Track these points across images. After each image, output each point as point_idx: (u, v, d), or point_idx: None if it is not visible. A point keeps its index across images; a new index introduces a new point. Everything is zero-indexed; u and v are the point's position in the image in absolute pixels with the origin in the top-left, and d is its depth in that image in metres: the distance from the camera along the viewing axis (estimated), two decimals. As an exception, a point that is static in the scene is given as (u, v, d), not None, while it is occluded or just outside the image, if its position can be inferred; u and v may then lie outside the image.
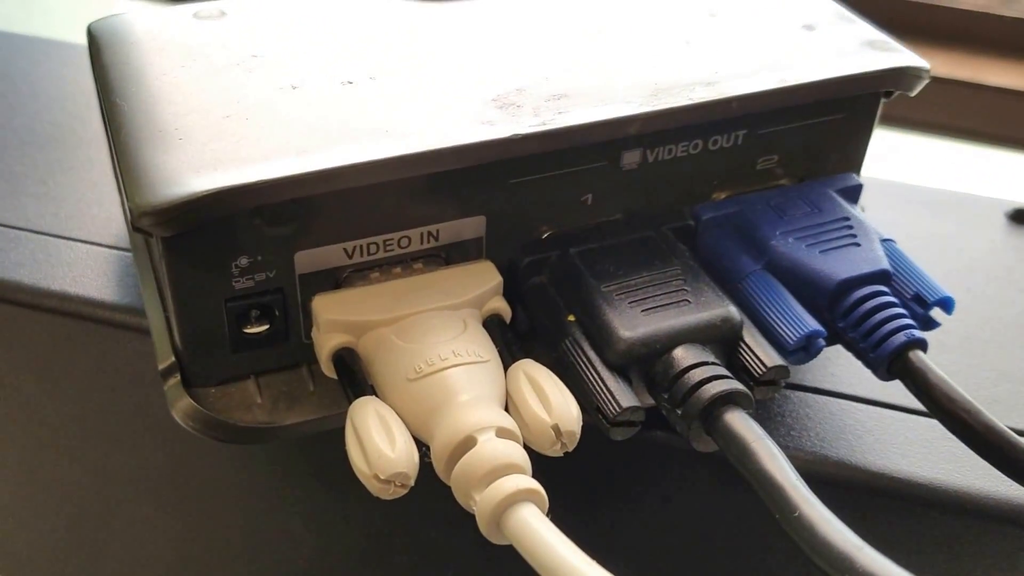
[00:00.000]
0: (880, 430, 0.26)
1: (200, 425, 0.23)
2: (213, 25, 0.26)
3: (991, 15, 0.62)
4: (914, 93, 0.26)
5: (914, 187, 0.34)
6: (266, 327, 0.24)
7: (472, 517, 0.20)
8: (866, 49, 0.25)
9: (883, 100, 0.26)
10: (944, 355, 0.28)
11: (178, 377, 0.24)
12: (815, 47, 0.26)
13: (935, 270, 0.29)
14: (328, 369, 0.23)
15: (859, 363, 0.24)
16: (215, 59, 0.25)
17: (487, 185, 0.24)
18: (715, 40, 0.26)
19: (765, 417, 0.26)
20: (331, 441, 0.23)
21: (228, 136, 0.22)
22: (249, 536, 0.32)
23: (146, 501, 0.32)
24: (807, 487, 0.20)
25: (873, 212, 0.30)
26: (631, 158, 0.25)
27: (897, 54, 0.25)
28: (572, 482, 0.27)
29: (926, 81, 0.26)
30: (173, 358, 0.24)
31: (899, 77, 0.25)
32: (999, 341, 0.29)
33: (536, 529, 0.20)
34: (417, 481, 0.21)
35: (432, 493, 0.21)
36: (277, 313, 0.23)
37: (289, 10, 0.27)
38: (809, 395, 0.27)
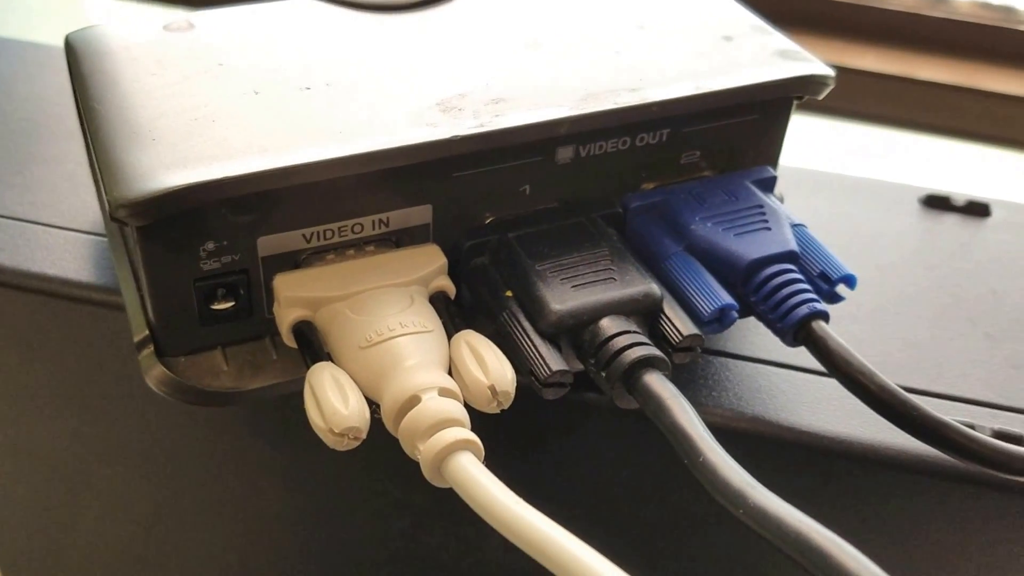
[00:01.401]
0: (791, 390, 0.28)
1: (171, 390, 0.26)
2: (182, 36, 0.29)
3: (920, 15, 0.65)
4: (821, 97, 0.28)
5: (834, 175, 0.37)
6: (231, 304, 0.26)
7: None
8: (777, 58, 0.28)
9: (795, 102, 0.29)
10: (856, 325, 0.31)
11: (151, 348, 0.26)
12: (731, 57, 0.28)
13: (851, 251, 0.32)
14: (289, 340, 0.26)
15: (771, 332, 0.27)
16: (184, 67, 0.27)
17: (432, 178, 0.26)
18: (642, 50, 0.28)
19: (689, 380, 0.28)
20: (293, 406, 0.25)
21: (196, 137, 0.25)
22: (219, 498, 0.34)
23: (121, 467, 0.34)
24: (712, 437, 0.23)
25: (795, 199, 0.33)
26: (565, 154, 0.27)
27: (804, 63, 0.28)
28: (514, 440, 0.29)
29: (831, 87, 0.28)
30: (147, 331, 0.26)
31: (806, 84, 0.28)
32: (906, 314, 0.31)
33: (472, 473, 0.22)
34: (376, 442, 0.23)
35: (388, 453, 0.24)
36: (241, 291, 0.26)
37: (253, 22, 0.29)
38: (729, 360, 0.29)
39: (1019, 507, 0.28)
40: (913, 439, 0.25)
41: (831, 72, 0.28)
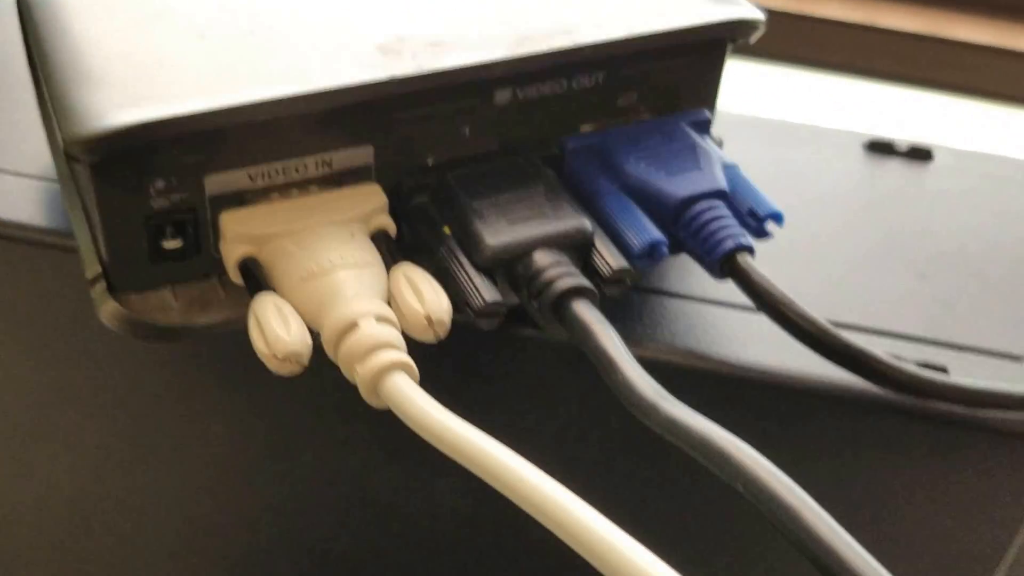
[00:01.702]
0: (723, 325, 0.29)
1: (123, 325, 0.27)
2: (132, -17, 0.30)
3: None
4: (753, 40, 0.29)
5: (779, 122, 0.38)
6: (180, 242, 0.27)
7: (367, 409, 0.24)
8: (708, 3, 0.29)
9: (729, 46, 0.30)
10: (790, 263, 0.32)
11: (103, 284, 0.27)
12: (664, 1, 0.29)
13: (791, 194, 0.33)
14: (235, 276, 0.27)
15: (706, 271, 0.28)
16: (132, 14, 0.28)
17: (373, 120, 0.27)
18: None
19: (626, 317, 0.29)
20: (241, 343, 0.26)
21: (145, 79, 0.26)
22: (171, 439, 0.35)
23: (75, 411, 0.35)
24: (632, 357, 0.24)
25: (738, 144, 0.34)
26: (503, 96, 0.28)
27: (735, 7, 0.29)
28: (459, 379, 0.31)
29: (761, 31, 0.29)
30: (99, 268, 0.27)
31: (736, 27, 0.29)
32: (840, 252, 0.32)
33: (406, 391, 0.23)
34: (324, 382, 0.25)
35: (337, 393, 0.25)
36: (189, 229, 0.27)
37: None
38: (665, 298, 0.30)
39: (940, 436, 0.29)
40: (838, 370, 0.26)
41: (761, 16, 0.29)
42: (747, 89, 0.44)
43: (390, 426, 0.24)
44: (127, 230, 0.27)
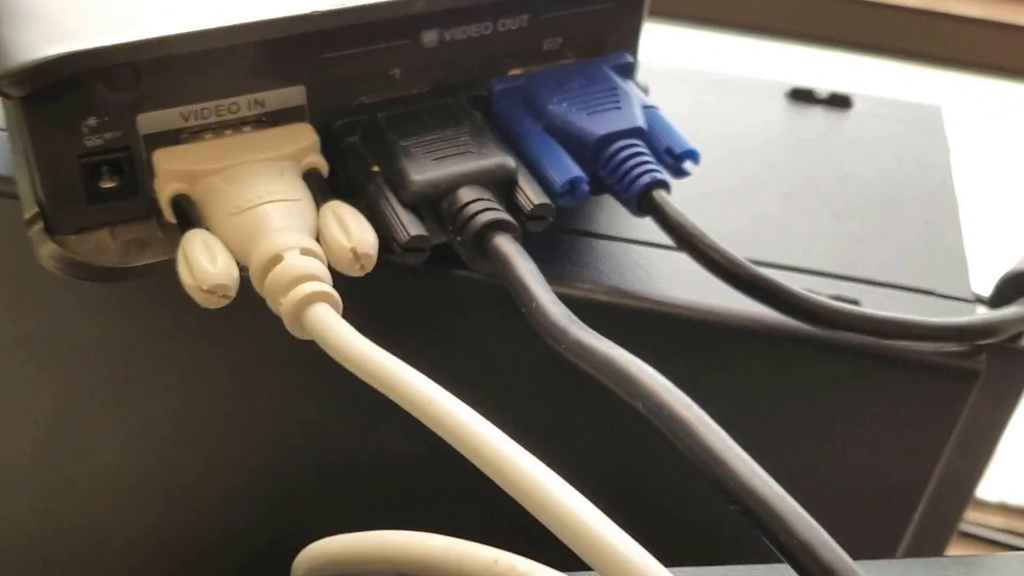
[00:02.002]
0: (647, 264, 0.30)
1: (60, 265, 0.27)
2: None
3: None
4: None
5: (703, 72, 0.39)
6: (116, 182, 0.28)
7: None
8: None
9: None
10: (709, 202, 0.33)
11: (41, 225, 0.28)
12: None
13: (712, 138, 0.35)
14: (168, 213, 0.28)
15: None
16: None
17: (303, 59, 0.28)
18: None
19: (555, 258, 0.30)
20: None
21: (75, 14, 0.27)
22: (121, 384, 0.36)
23: (28, 357, 0.35)
24: (547, 287, 0.25)
25: (662, 93, 0.35)
26: (430, 37, 0.29)
27: None
28: (390, 320, 0.31)
29: None
30: (36, 209, 0.28)
31: None
32: (758, 193, 0.34)
33: (328, 321, 0.24)
34: (272, 328, 0.26)
35: (286, 339, 0.26)
36: (125, 169, 0.28)
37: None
38: (592, 239, 0.31)
39: (853, 367, 0.30)
40: (755, 305, 0.28)
41: None
42: (684, 52, 0.45)
43: (344, 376, 0.25)
44: (62, 169, 0.27)
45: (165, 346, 0.34)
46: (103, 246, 0.28)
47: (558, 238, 0.31)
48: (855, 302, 0.30)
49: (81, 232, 0.28)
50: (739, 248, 0.30)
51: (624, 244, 0.32)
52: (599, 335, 0.23)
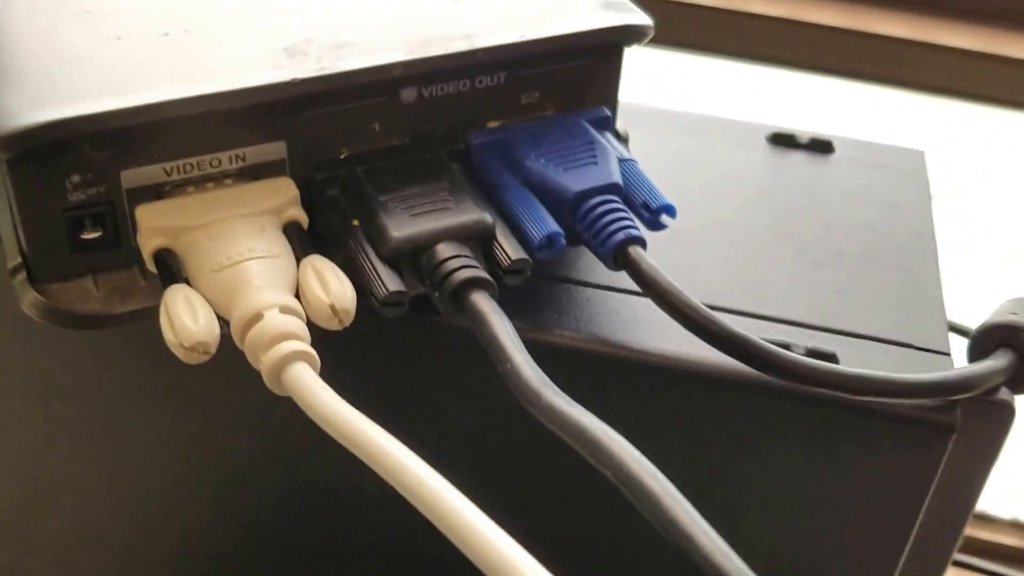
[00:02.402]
0: (624, 312, 0.31)
1: (43, 314, 0.28)
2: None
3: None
4: (642, 44, 0.31)
5: (685, 113, 0.40)
6: (99, 233, 0.28)
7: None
8: (600, 9, 0.31)
9: (625, 48, 0.32)
10: (687, 252, 0.33)
11: (24, 274, 0.28)
12: (558, 7, 0.31)
13: (692, 185, 0.35)
14: (151, 267, 0.28)
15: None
16: (54, 15, 0.29)
17: (284, 117, 0.28)
18: (480, 1, 0.31)
19: (533, 305, 0.31)
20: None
21: (60, 78, 0.27)
22: (106, 422, 0.36)
23: (9, 395, 0.36)
24: (522, 347, 0.25)
25: (643, 136, 0.36)
26: (408, 95, 0.30)
27: (623, 14, 0.30)
28: (365, 356, 0.32)
29: (650, 35, 0.31)
30: (19, 259, 0.28)
31: (624, 33, 0.30)
32: (737, 242, 0.34)
33: (306, 381, 0.25)
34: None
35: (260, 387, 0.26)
36: (108, 221, 0.28)
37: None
38: (570, 286, 0.32)
39: (829, 421, 0.30)
40: (717, 351, 0.28)
41: (649, 22, 0.31)
42: (672, 78, 0.45)
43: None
44: (45, 222, 0.28)
45: (144, 388, 0.35)
46: (86, 294, 0.29)
47: (536, 284, 0.32)
48: (832, 355, 0.30)
49: (64, 280, 0.29)
50: (716, 298, 0.31)
51: (602, 291, 0.32)
52: (571, 400, 0.24)
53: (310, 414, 0.24)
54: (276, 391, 0.25)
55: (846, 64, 0.66)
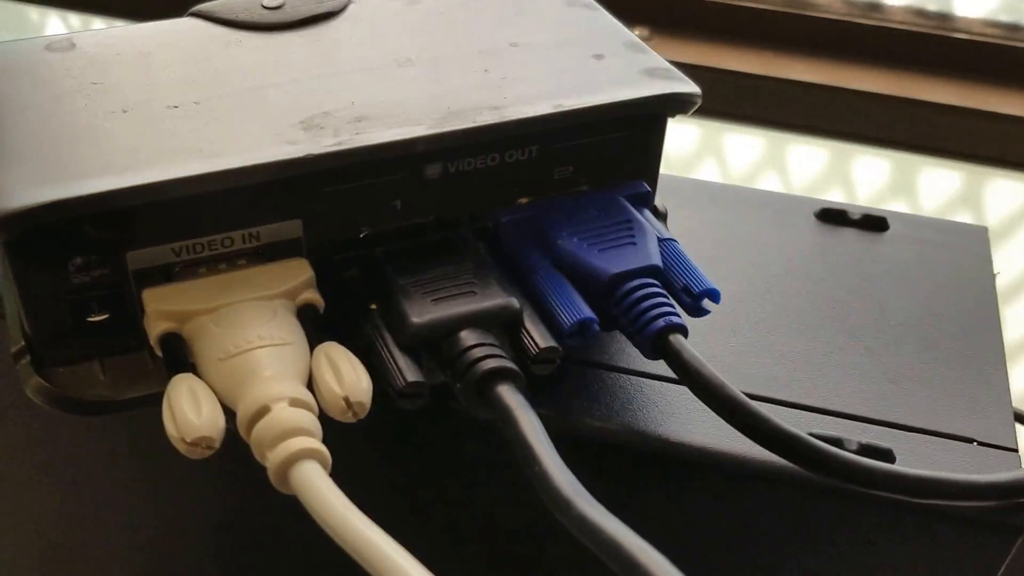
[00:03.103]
0: (662, 401, 0.29)
1: (47, 400, 0.26)
2: (62, 56, 0.29)
3: (853, 22, 0.65)
4: (688, 114, 0.29)
5: (730, 187, 0.38)
6: (106, 316, 0.27)
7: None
8: (643, 77, 0.29)
9: (667, 119, 0.30)
10: (733, 338, 0.31)
11: (28, 359, 0.27)
12: (596, 75, 0.29)
13: (738, 265, 0.33)
14: (159, 352, 0.26)
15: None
16: (58, 87, 0.28)
17: (299, 194, 0.27)
18: (511, 68, 0.29)
19: (563, 391, 0.29)
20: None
21: (61, 156, 0.26)
22: (121, 501, 0.34)
23: (21, 478, 0.34)
24: (552, 448, 0.23)
25: (686, 211, 0.34)
26: (433, 170, 0.28)
27: (668, 82, 0.29)
28: (385, 453, 0.30)
29: (697, 104, 0.29)
30: (23, 342, 0.27)
31: (669, 102, 0.28)
32: (786, 327, 0.32)
33: (314, 482, 0.23)
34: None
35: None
36: (114, 304, 0.26)
37: (134, 41, 0.30)
38: (603, 371, 0.30)
39: (887, 521, 0.28)
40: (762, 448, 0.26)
41: (697, 90, 0.29)
42: (710, 150, 0.43)
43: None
44: (49, 305, 0.26)
45: (160, 466, 0.33)
46: (92, 379, 0.27)
47: (566, 369, 0.30)
48: (888, 452, 0.28)
49: (70, 364, 0.27)
50: (762, 387, 0.29)
51: (637, 378, 0.30)
52: (606, 511, 0.21)
53: (316, 520, 0.22)
54: (282, 490, 0.23)
55: (896, 134, 0.64)
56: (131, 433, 0.33)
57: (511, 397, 0.25)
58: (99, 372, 0.27)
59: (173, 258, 0.26)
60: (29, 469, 0.35)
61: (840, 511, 0.28)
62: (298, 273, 0.27)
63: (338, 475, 0.23)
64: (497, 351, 0.25)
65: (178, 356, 0.26)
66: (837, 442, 0.27)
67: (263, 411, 0.24)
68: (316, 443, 0.24)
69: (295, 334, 0.26)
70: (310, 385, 0.25)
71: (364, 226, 0.28)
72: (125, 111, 0.27)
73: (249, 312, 0.26)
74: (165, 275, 0.27)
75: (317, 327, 0.27)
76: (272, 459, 0.23)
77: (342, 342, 0.26)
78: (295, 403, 0.24)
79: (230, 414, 0.25)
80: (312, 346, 0.26)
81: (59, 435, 0.33)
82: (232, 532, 0.35)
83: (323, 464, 0.23)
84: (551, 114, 0.27)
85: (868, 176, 0.66)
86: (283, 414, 0.24)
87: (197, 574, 0.36)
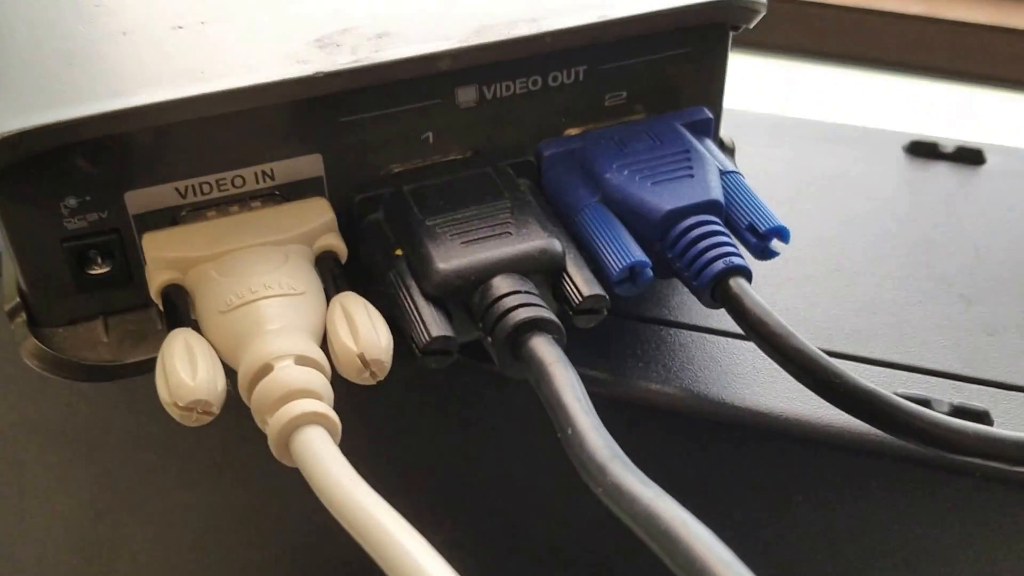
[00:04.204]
0: (726, 359, 0.26)
1: (44, 364, 0.24)
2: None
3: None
4: (752, 25, 0.26)
5: (809, 121, 0.35)
6: (108, 268, 0.24)
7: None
8: None
9: (731, 33, 0.26)
10: (810, 286, 0.28)
11: (23, 317, 0.24)
12: None
13: (817, 204, 0.30)
14: (160, 305, 0.24)
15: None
16: (59, 8, 0.25)
17: (317, 124, 0.24)
18: None
19: (614, 350, 0.26)
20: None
21: (49, 83, 0.23)
22: (148, 480, 0.32)
23: (50, 453, 0.32)
24: (589, 408, 0.20)
25: (759, 148, 0.30)
26: (466, 95, 0.25)
27: None
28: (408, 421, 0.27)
29: (761, 14, 0.25)
30: (18, 299, 0.24)
31: (729, 10, 0.25)
32: (870, 273, 0.29)
33: (316, 450, 0.20)
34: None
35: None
36: (116, 253, 0.24)
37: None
38: (660, 327, 0.27)
39: (979, 493, 0.25)
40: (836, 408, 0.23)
41: None
42: (790, 89, 0.40)
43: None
44: (43, 254, 0.24)
45: (188, 441, 0.30)
46: (94, 340, 0.24)
47: (616, 324, 0.27)
48: (984, 413, 0.25)
49: (71, 324, 0.25)
50: (839, 342, 0.26)
51: (699, 334, 0.27)
52: (646, 479, 0.18)
53: (318, 493, 0.19)
54: (284, 461, 0.21)
55: (995, 69, 0.59)
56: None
57: (545, 350, 0.21)
58: (102, 332, 0.25)
59: (178, 199, 0.24)
60: (56, 448, 0.32)
61: (929, 480, 0.25)
62: (317, 214, 0.24)
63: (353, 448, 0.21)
64: (533, 299, 0.22)
65: (178, 311, 0.23)
66: (926, 403, 0.24)
67: (265, 370, 0.21)
68: (323, 406, 0.21)
69: (309, 283, 0.23)
70: (326, 343, 0.23)
71: (392, 163, 0.25)
72: (125, 33, 0.24)
73: (256, 258, 0.23)
74: (171, 219, 0.24)
75: (336, 278, 0.24)
76: (272, 424, 0.21)
77: (366, 295, 0.23)
78: (302, 361, 0.21)
79: (234, 375, 0.22)
80: (330, 299, 0.23)
81: (82, 411, 0.31)
82: (274, 519, 0.32)
83: (331, 431, 0.21)
84: (595, 23, 0.24)
85: (963, 113, 0.61)
86: (286, 373, 0.21)
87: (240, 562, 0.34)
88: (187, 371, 0.21)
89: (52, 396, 0.31)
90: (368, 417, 0.22)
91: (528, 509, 0.29)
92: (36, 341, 0.24)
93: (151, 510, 0.33)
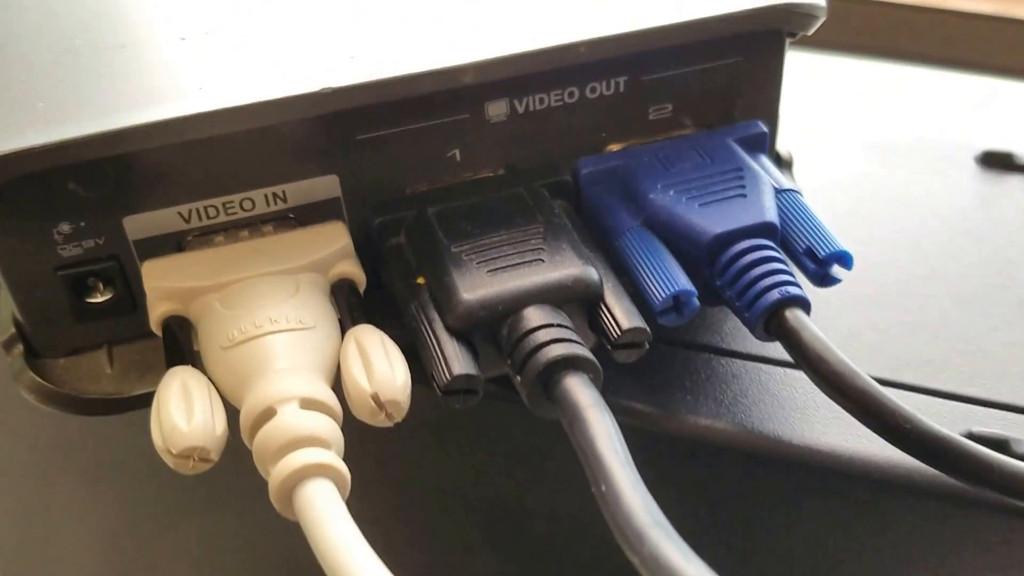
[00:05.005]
0: (781, 390, 0.24)
1: (43, 398, 0.23)
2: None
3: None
4: (811, 31, 0.23)
5: (871, 130, 0.32)
6: (110, 295, 0.23)
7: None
8: None
9: (788, 40, 0.24)
10: (875, 311, 0.26)
11: (21, 348, 0.23)
12: None
13: (882, 222, 0.28)
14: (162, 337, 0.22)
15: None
16: (54, 19, 0.24)
17: (332, 142, 0.22)
18: None
19: (659, 380, 0.24)
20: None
21: (41, 98, 0.21)
22: (175, 504, 0.31)
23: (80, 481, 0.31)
24: (628, 461, 0.18)
25: (814, 160, 0.28)
26: (497, 109, 0.23)
27: None
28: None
29: (821, 20, 0.23)
30: (13, 329, 0.23)
31: (786, 16, 0.23)
32: (940, 297, 0.26)
33: (320, 508, 0.18)
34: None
35: None
36: (118, 281, 0.22)
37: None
38: (710, 356, 0.25)
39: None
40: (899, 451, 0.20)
41: (820, 2, 0.23)
42: (851, 91, 0.37)
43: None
44: (37, 283, 0.22)
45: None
46: (97, 371, 0.23)
47: (663, 352, 0.25)
48: (1072, 455, 0.22)
49: (73, 354, 0.23)
50: (906, 371, 0.24)
51: (754, 364, 0.25)
52: (689, 551, 0.16)
53: (316, 553, 0.17)
54: (286, 515, 0.19)
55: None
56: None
57: (580, 393, 0.19)
58: (106, 363, 0.23)
59: (182, 224, 0.22)
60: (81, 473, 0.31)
61: (1004, 530, 0.22)
62: (332, 240, 0.22)
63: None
64: (568, 334, 0.20)
65: (179, 346, 0.22)
66: (1003, 444, 0.22)
67: (268, 414, 0.19)
68: (329, 456, 0.19)
69: (321, 316, 0.21)
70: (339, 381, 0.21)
71: (416, 182, 0.23)
72: (123, 46, 0.23)
73: (264, 289, 0.21)
74: (175, 245, 0.22)
75: (353, 310, 0.22)
76: (273, 477, 0.19)
77: (386, 329, 0.21)
78: (308, 404, 0.19)
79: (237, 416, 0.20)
80: (344, 334, 0.21)
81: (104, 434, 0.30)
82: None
83: (338, 483, 0.19)
84: (635, 32, 0.22)
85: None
86: (288, 419, 0.19)
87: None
88: (182, 415, 0.20)
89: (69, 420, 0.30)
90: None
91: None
92: (33, 374, 0.23)
93: (178, 534, 0.32)
